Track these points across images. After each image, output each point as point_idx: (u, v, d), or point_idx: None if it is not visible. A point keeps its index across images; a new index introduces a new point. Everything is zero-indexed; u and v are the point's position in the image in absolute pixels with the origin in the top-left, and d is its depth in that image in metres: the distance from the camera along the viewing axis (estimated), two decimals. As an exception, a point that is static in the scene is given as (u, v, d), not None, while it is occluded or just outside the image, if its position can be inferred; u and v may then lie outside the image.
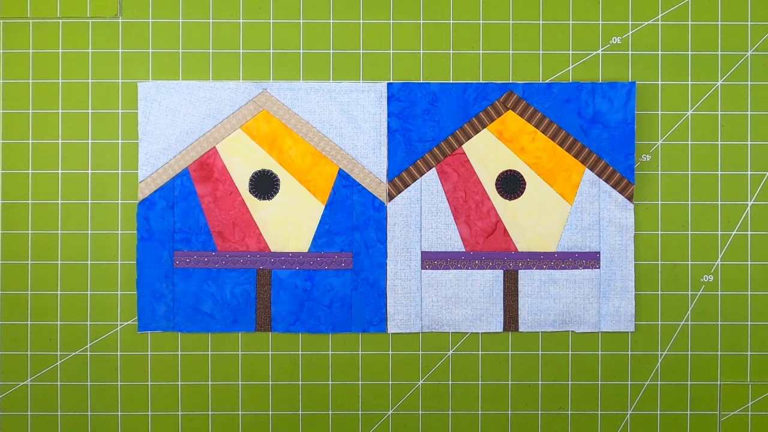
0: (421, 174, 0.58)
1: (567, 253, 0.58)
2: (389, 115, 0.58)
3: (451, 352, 0.58)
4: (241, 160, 0.57)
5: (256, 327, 0.58)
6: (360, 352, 0.58)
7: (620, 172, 0.57)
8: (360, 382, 0.58)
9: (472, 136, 0.58)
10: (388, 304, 0.58)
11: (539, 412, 0.58)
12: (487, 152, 0.58)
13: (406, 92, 0.58)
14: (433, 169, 0.58)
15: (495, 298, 0.58)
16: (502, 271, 0.58)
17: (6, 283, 0.58)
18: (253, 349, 0.58)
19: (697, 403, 0.58)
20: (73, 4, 0.58)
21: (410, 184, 0.58)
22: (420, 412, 0.58)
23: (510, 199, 0.58)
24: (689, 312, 0.58)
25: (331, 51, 0.58)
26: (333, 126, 0.58)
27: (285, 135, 0.58)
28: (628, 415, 0.58)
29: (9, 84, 0.58)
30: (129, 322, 0.58)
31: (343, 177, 0.58)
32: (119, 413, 0.58)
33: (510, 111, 0.58)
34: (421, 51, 0.58)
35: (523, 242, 0.58)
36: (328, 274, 0.58)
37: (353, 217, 0.58)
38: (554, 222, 0.58)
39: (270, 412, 0.58)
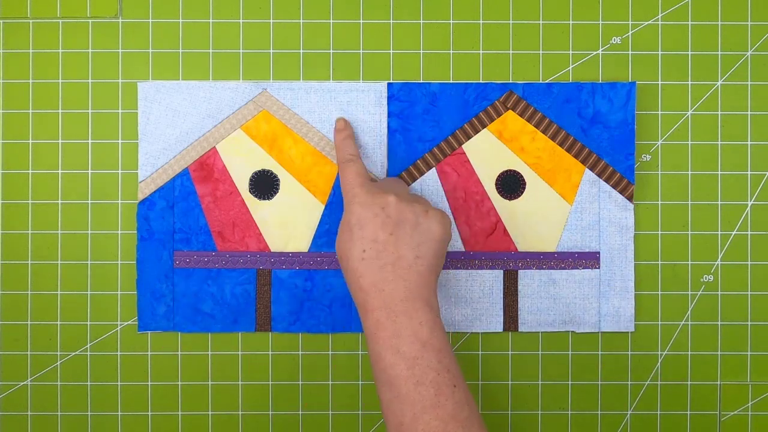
0: (421, 174, 0.58)
1: (567, 253, 0.58)
2: (389, 115, 0.58)
3: (451, 352, 0.58)
4: (241, 160, 0.57)
5: (256, 327, 0.58)
6: (360, 352, 0.58)
7: (620, 172, 0.57)
8: (360, 382, 0.58)
9: (472, 136, 0.58)
10: (388, 304, 0.58)
11: (539, 412, 0.58)
12: (487, 152, 0.58)
13: (406, 92, 0.58)
14: (433, 169, 0.58)
15: (495, 298, 0.58)
16: (502, 271, 0.58)
17: (6, 283, 0.58)
18: (253, 349, 0.58)
19: (697, 403, 0.58)
20: (73, 4, 0.58)
21: (410, 184, 0.58)
22: (420, 412, 0.58)
23: (510, 199, 0.58)
24: (689, 312, 0.58)
25: (331, 51, 0.58)
26: (333, 126, 0.58)
27: (285, 135, 0.58)
28: (628, 415, 0.58)
29: (9, 84, 0.58)
30: (129, 322, 0.58)
31: (343, 177, 0.58)
32: (119, 413, 0.58)
33: (510, 111, 0.58)
34: (421, 51, 0.58)
35: (523, 242, 0.58)
36: (328, 274, 0.58)
37: (353, 217, 0.58)
38: (554, 222, 0.58)
39: (270, 412, 0.58)
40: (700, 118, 0.58)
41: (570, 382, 0.58)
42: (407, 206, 0.48)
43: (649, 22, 0.58)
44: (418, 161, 0.58)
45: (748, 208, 0.58)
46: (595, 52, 0.58)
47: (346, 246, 0.48)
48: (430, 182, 0.58)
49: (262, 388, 0.58)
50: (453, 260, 0.58)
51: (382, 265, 0.46)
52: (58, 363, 0.58)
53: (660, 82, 0.58)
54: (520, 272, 0.58)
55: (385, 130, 0.58)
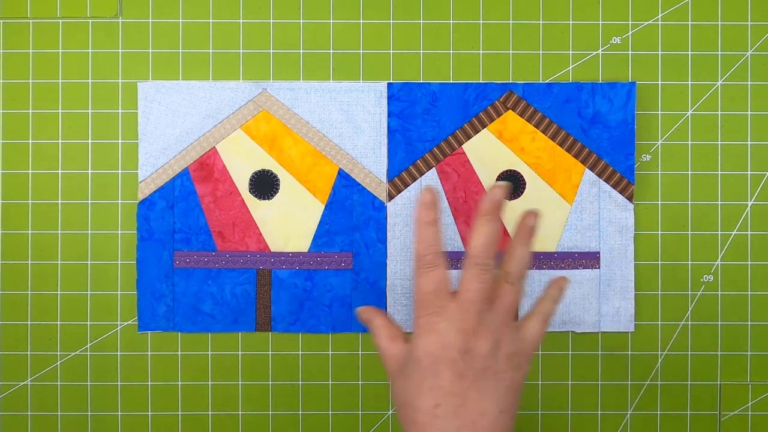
0: (421, 174, 0.58)
1: (567, 253, 0.58)
2: (389, 115, 0.58)
3: (451, 352, 0.58)
4: (241, 160, 0.57)
5: (256, 327, 0.58)
6: (360, 352, 0.58)
7: (620, 172, 0.57)
8: (360, 382, 0.58)
9: (472, 136, 0.58)
10: (388, 304, 0.58)
11: (539, 412, 0.58)
12: (487, 152, 0.58)
13: (406, 92, 0.58)
14: (433, 169, 0.58)
15: (495, 298, 0.58)
16: (502, 271, 0.58)
17: (6, 283, 0.58)
18: (253, 349, 0.58)
19: (697, 403, 0.58)
20: (73, 4, 0.58)
21: (410, 184, 0.58)
22: (420, 412, 0.58)
23: (510, 199, 0.58)
24: (689, 312, 0.58)
25: (331, 51, 0.58)
26: (333, 126, 0.58)
27: (285, 135, 0.58)
28: (628, 415, 0.58)
29: (9, 84, 0.58)
30: (129, 322, 0.58)
31: (343, 177, 0.58)
32: (119, 413, 0.58)
33: (510, 111, 0.58)
34: (421, 51, 0.58)
35: (523, 242, 0.58)
36: (328, 274, 0.58)
37: (353, 217, 0.58)
38: (554, 222, 0.58)
39: (270, 412, 0.58)
40: (700, 118, 0.58)
41: (570, 382, 0.58)
42: (492, 347, 0.41)
43: (649, 22, 0.58)
44: (418, 161, 0.58)
45: (748, 208, 0.58)
46: (595, 52, 0.58)
47: (411, 393, 0.40)
48: (430, 182, 0.58)
49: (262, 388, 0.58)
50: (453, 260, 0.58)
51: (459, 427, 0.39)
52: (58, 363, 0.58)
53: (660, 82, 0.58)
54: (520, 272, 0.58)
55: (385, 130, 0.58)
